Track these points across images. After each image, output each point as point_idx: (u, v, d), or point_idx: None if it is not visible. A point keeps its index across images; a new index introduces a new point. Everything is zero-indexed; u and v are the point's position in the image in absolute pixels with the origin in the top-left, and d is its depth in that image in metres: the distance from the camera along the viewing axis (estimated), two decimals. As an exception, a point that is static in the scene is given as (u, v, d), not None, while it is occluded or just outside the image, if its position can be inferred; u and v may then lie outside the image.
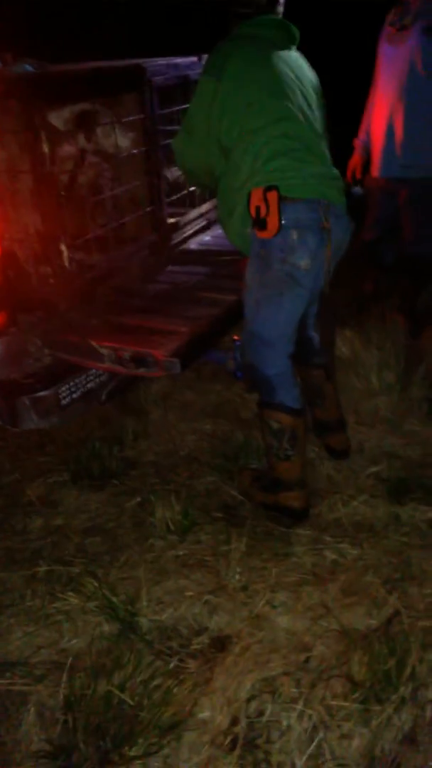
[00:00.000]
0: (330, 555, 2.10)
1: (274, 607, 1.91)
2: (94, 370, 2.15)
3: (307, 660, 1.74)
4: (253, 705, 1.62)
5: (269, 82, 2.04)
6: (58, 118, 2.17)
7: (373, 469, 2.50)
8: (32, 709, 1.62)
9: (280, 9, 2.16)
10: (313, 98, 2.17)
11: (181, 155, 2.26)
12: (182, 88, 2.68)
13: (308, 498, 2.29)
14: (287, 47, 2.15)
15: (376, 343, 3.23)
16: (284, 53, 2.12)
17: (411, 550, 2.10)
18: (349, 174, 3.51)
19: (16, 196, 2.02)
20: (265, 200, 1.99)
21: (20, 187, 2.01)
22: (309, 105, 2.13)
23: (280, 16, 2.16)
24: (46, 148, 1.97)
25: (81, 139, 2.30)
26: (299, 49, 2.22)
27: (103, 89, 2.32)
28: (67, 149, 2.28)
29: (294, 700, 1.61)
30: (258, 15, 2.11)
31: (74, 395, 2.13)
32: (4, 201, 2.02)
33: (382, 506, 2.31)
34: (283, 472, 2.24)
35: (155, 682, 1.68)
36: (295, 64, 2.15)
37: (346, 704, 1.59)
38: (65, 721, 1.57)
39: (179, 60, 2.68)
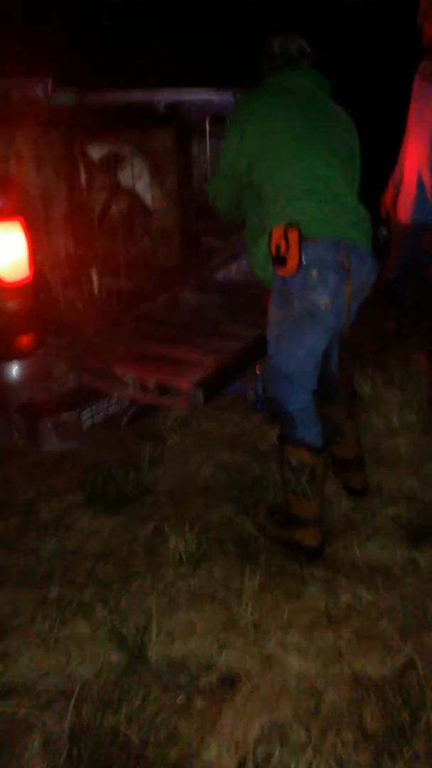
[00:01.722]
0: (344, 597, 2.06)
1: (285, 648, 1.88)
2: (116, 396, 2.16)
3: (317, 705, 1.70)
4: (261, 749, 1.58)
5: (294, 128, 2.10)
6: (94, 149, 2.21)
7: (392, 510, 2.47)
8: (37, 738, 1.59)
9: (309, 61, 2.25)
10: (344, 142, 2.21)
11: (213, 197, 2.36)
12: (216, 122, 2.73)
13: (324, 536, 2.26)
14: (317, 94, 2.22)
15: (398, 383, 3.22)
16: (312, 100, 2.19)
17: (428, 597, 2.06)
18: (382, 210, 3.55)
19: (50, 223, 2.06)
20: (286, 239, 2.02)
21: (54, 214, 2.05)
22: (337, 149, 2.17)
23: (309, 66, 2.24)
24: (81, 177, 2.01)
25: (114, 169, 2.35)
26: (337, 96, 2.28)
27: (139, 122, 2.38)
28: (101, 178, 2.32)
29: (303, 748, 1.58)
30: (287, 66, 2.20)
31: (95, 419, 2.13)
32: (38, 227, 2.06)
33: (399, 549, 2.28)
34: (299, 509, 2.22)
35: (162, 717, 1.65)
36: (324, 109, 2.21)
37: (357, 757, 1.55)
38: (70, 753, 1.54)
39: (215, 96, 2.73)
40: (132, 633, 1.88)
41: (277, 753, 1.57)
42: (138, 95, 2.46)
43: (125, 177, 2.34)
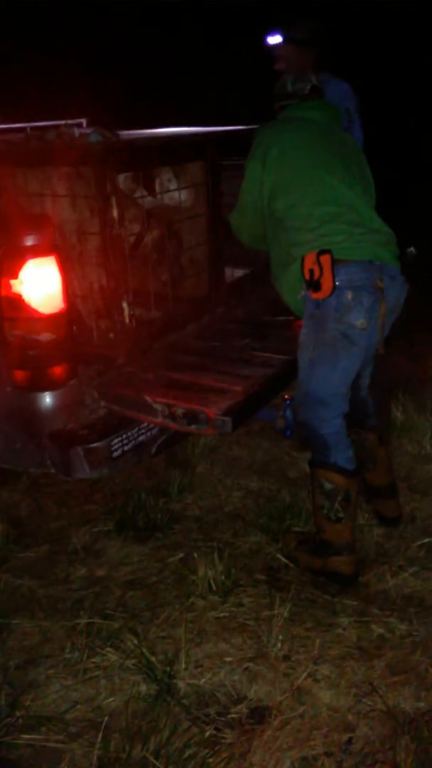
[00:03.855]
0: (377, 629, 2.02)
1: (316, 680, 1.84)
2: (146, 424, 2.19)
3: (349, 741, 1.66)
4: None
5: (314, 155, 2.17)
6: (126, 184, 2.28)
7: (426, 539, 2.42)
8: (65, 769, 1.59)
9: (320, 96, 2.33)
10: (360, 167, 2.28)
11: (237, 229, 2.42)
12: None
13: (358, 564, 2.23)
14: (331, 124, 2.30)
15: (431, 408, 3.18)
16: (328, 129, 2.27)
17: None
18: None
19: (83, 256, 2.12)
20: (319, 263, 2.05)
21: (88, 247, 2.11)
22: (357, 174, 2.24)
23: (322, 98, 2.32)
24: (114, 212, 2.07)
25: (146, 203, 2.41)
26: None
27: (169, 158, 2.44)
28: (133, 213, 2.38)
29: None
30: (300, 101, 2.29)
31: (125, 447, 2.16)
32: (72, 260, 2.12)
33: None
34: (333, 535, 2.19)
35: (190, 751, 1.63)
36: (339, 137, 2.30)
37: (391, 795, 1.50)
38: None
39: (242, 128, 2.79)
40: (161, 663, 1.87)
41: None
42: (168, 131, 2.54)
43: (157, 210, 2.40)
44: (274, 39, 2.87)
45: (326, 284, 2.05)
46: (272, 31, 2.89)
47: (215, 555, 2.29)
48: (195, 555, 2.31)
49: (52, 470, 2.15)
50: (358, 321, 2.09)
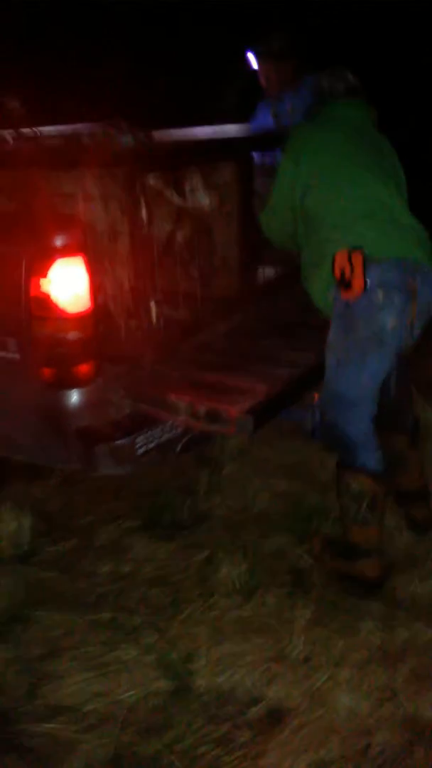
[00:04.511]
0: (402, 633, 1.98)
1: (337, 683, 1.81)
2: (170, 422, 2.20)
3: (368, 746, 1.63)
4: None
5: (348, 154, 2.16)
6: (157, 185, 2.31)
7: (457, 546, 2.36)
8: (79, 759, 1.61)
9: (356, 95, 2.30)
10: (393, 167, 2.27)
11: (267, 228, 2.41)
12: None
13: (384, 568, 2.19)
14: (365, 123, 2.28)
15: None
16: (362, 129, 2.25)
17: None
18: None
19: (114, 255, 2.15)
20: (350, 262, 2.02)
21: (118, 247, 2.14)
22: (390, 173, 2.22)
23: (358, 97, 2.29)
24: (144, 213, 2.10)
25: (176, 205, 2.43)
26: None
27: (200, 159, 2.46)
28: (163, 213, 2.41)
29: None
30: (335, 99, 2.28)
31: (150, 446, 2.17)
32: (103, 259, 2.16)
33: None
34: (359, 538, 2.16)
35: (205, 748, 1.63)
36: (373, 137, 2.28)
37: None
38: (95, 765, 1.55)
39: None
40: (180, 660, 1.88)
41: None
42: (197, 132, 2.55)
43: (188, 211, 2.42)
44: (251, 58, 2.86)
45: (357, 283, 2.02)
46: (246, 50, 2.89)
47: (240, 555, 2.29)
48: (219, 554, 2.31)
49: (79, 466, 2.19)
50: (389, 321, 2.05)
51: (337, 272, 2.05)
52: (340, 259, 2.04)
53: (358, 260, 2.01)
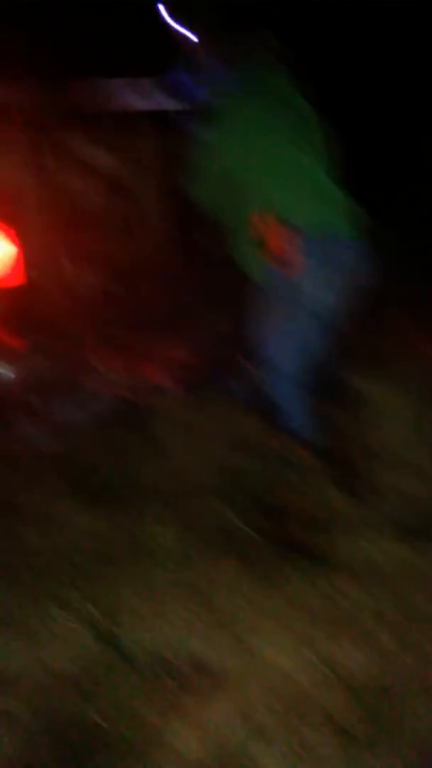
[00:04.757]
0: (324, 587, 2.02)
1: (258, 633, 1.85)
2: (99, 391, 2.19)
3: (286, 692, 1.67)
4: (227, 733, 1.55)
5: (273, 124, 2.14)
6: (65, 143, 2.26)
7: (385, 507, 2.41)
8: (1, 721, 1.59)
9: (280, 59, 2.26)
10: (320, 137, 2.24)
11: (195, 194, 2.36)
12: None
13: (316, 532, 2.22)
14: (292, 92, 2.24)
15: (398, 379, 3.16)
16: (288, 98, 2.22)
17: (418, 594, 2.01)
18: None
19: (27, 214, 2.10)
20: (279, 233, 2.03)
21: (28, 209, 2.08)
22: (317, 144, 2.20)
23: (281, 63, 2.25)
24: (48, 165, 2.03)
25: (86, 162, 2.38)
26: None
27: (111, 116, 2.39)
28: (74, 174, 2.36)
29: (267, 732, 1.54)
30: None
31: (80, 415, 2.16)
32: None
33: (389, 546, 2.22)
34: (294, 504, 2.19)
35: (130, 703, 1.64)
36: (299, 106, 2.23)
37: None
38: (31, 736, 1.54)
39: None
40: (106, 620, 1.88)
41: (243, 737, 1.54)
42: (106, 85, 2.45)
43: (101, 169, 2.37)
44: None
45: (292, 259, 2.04)
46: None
47: (174, 522, 2.29)
48: (152, 521, 2.31)
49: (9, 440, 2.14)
50: (325, 295, 2.08)
51: (269, 243, 2.07)
52: (269, 231, 2.05)
53: (285, 231, 2.02)
